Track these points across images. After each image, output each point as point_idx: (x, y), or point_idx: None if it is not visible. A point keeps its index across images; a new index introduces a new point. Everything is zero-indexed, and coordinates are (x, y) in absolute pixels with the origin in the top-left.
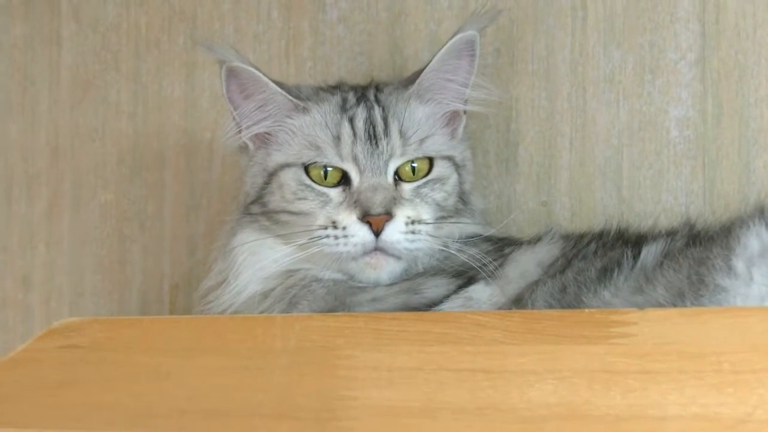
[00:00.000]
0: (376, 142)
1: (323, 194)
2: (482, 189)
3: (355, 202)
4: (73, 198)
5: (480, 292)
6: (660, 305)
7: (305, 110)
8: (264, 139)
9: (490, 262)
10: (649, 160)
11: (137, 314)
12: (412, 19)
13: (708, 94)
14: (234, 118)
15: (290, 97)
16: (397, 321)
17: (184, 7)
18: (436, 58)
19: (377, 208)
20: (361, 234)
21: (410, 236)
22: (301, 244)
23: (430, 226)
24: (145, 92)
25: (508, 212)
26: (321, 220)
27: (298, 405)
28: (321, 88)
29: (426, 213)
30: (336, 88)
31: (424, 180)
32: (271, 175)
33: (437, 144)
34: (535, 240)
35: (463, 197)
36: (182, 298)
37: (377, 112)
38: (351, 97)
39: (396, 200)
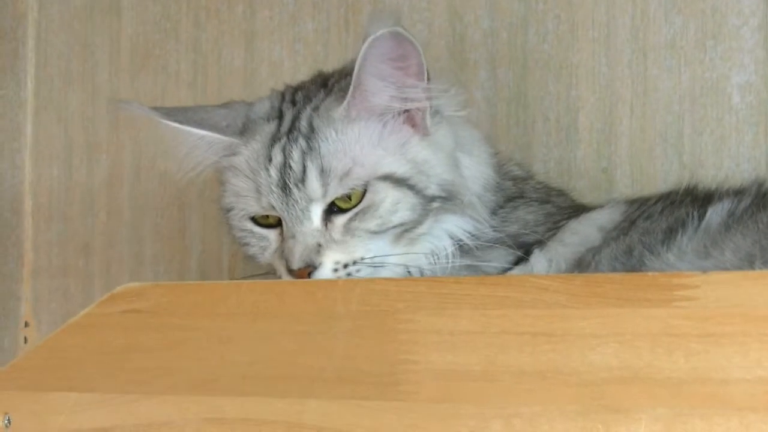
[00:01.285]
0: (290, 190)
1: (263, 237)
2: (542, 156)
3: (283, 251)
4: (133, 167)
5: (537, 263)
6: (728, 270)
7: (235, 152)
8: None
9: (546, 231)
10: (710, 127)
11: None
12: None
13: None
14: None
15: (221, 137)
16: (459, 285)
17: None
18: (357, 65)
19: (297, 263)
20: None
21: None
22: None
23: (374, 258)
24: (205, 61)
25: (568, 179)
26: (265, 264)
27: (359, 369)
28: (264, 111)
29: (361, 250)
30: (281, 102)
31: (354, 211)
32: (226, 215)
33: (370, 166)
34: (596, 207)
35: (434, 198)
36: (241, 266)
37: (297, 151)
38: (285, 123)
39: (321, 247)
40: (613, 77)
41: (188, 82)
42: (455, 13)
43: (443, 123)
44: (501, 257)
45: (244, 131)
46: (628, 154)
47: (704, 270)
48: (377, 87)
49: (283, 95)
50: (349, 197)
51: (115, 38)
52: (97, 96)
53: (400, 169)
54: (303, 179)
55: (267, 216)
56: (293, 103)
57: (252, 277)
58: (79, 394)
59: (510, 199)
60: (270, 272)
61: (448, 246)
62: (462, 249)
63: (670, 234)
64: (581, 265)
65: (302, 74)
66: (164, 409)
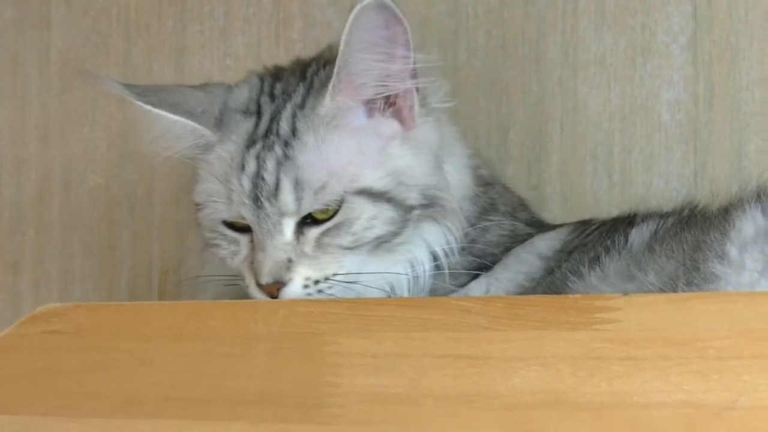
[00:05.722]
0: (262, 203)
1: (234, 241)
2: None
3: (251, 263)
4: (63, 183)
5: (477, 287)
6: (651, 292)
7: (209, 147)
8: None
9: (503, 251)
10: (640, 144)
11: (127, 299)
12: (403, 1)
13: (700, 77)
14: None
15: (196, 126)
16: (381, 306)
17: None
18: (343, 41)
19: (265, 278)
20: (261, 297)
21: (315, 296)
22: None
23: (346, 276)
24: (135, 76)
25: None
26: (233, 269)
27: (281, 392)
28: (242, 101)
29: (334, 266)
30: (259, 93)
31: (327, 226)
32: (196, 209)
33: (347, 178)
34: (544, 230)
35: (414, 207)
36: (172, 284)
37: (272, 160)
38: (263, 122)
39: (292, 262)
40: (544, 94)
41: (119, 96)
42: None
43: (430, 116)
44: (457, 280)
45: (221, 123)
46: (558, 171)
47: (627, 292)
48: (365, 64)
49: (261, 83)
50: (327, 210)
51: (44, 52)
52: (26, 111)
53: (378, 182)
54: (276, 193)
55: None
56: (272, 96)
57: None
58: None
59: (483, 212)
60: (237, 276)
61: (425, 257)
62: (436, 270)
63: (596, 259)
64: (520, 294)
65: None
66: None
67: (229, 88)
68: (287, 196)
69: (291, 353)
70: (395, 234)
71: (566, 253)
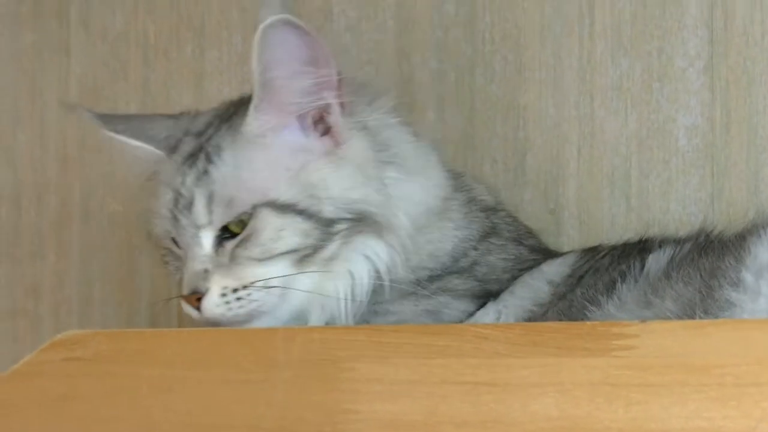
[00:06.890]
0: (178, 217)
1: (178, 258)
2: None
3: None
4: (82, 208)
5: (486, 315)
6: (669, 318)
7: (157, 171)
8: None
9: (510, 279)
10: (657, 169)
11: (146, 325)
12: (420, 26)
13: (716, 101)
14: None
15: (153, 150)
16: (398, 333)
17: (191, 15)
18: (255, 59)
19: (185, 289)
20: (189, 310)
21: (234, 303)
22: None
23: (268, 281)
24: (154, 101)
25: None
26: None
27: (300, 418)
28: (201, 125)
29: (250, 276)
30: (214, 118)
31: (239, 239)
32: None
33: (258, 191)
34: (552, 257)
35: (335, 220)
36: None
37: (192, 176)
38: (203, 140)
39: (209, 273)
40: (561, 119)
41: None
42: (403, 54)
43: (362, 132)
44: (462, 304)
45: (176, 147)
46: (576, 196)
47: (644, 319)
48: (280, 82)
49: (225, 108)
50: (242, 223)
51: (63, 78)
52: (45, 136)
53: (285, 194)
54: (189, 206)
55: None
56: (221, 119)
57: None
58: None
59: (484, 236)
60: None
61: (364, 272)
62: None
63: (612, 285)
64: (531, 321)
65: None
66: None
67: (197, 114)
68: (199, 210)
69: (309, 380)
70: (316, 247)
71: (576, 278)
